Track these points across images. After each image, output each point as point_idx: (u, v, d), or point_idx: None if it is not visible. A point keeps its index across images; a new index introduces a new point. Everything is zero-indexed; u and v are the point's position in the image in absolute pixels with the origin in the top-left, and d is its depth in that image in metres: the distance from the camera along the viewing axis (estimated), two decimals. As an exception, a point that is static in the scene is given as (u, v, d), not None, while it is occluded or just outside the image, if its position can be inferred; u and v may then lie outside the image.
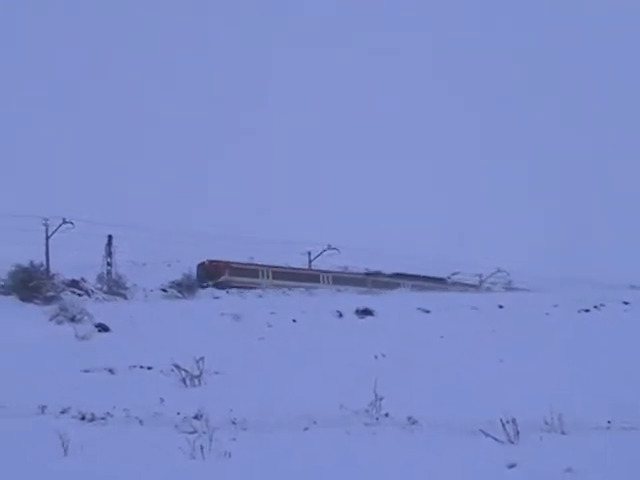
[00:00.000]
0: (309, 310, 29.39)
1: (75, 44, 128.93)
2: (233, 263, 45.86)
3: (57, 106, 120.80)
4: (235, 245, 46.82)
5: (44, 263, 38.05)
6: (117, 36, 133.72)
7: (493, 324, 25.50)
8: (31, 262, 32.94)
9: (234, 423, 10.93)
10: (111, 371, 16.05)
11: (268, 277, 46.79)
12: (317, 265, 56.41)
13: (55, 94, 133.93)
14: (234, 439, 9.24)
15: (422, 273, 58.91)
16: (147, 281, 43.06)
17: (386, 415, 10.85)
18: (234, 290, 43.79)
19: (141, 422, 11.20)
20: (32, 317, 21.95)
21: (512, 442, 8.67)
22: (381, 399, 10.73)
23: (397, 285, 53.59)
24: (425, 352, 18.49)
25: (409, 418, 10.61)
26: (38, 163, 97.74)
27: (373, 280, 52.97)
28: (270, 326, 24.44)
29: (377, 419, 10.82)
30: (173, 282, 41.97)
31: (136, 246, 48.65)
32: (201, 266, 44.75)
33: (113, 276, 42.88)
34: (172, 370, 14.82)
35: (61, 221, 45.88)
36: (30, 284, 28.78)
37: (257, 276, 46.13)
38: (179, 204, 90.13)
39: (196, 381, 14.52)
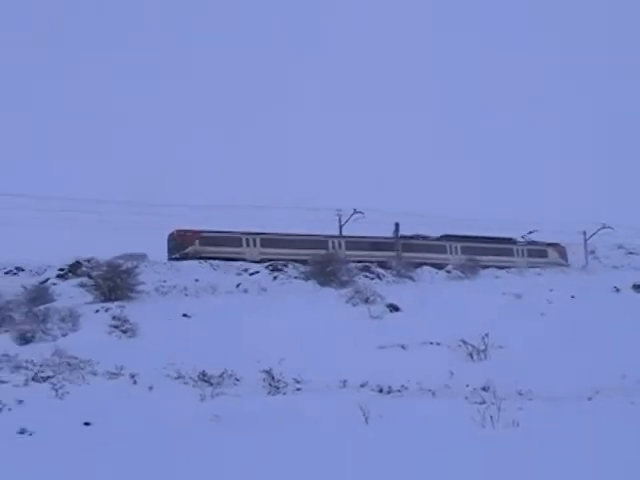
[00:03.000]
0: (585, 287, 27.71)
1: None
2: (205, 232, 41.71)
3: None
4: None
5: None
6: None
7: None
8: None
9: (520, 394, 11.37)
10: (403, 347, 17.18)
11: (255, 245, 43.18)
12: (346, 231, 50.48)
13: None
14: (521, 409, 9.56)
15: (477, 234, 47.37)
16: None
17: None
18: (513, 270, 41.80)
19: (433, 394, 11.93)
20: (331, 300, 24.40)
21: None
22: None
23: (443, 249, 45.81)
24: None
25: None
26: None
27: (404, 244, 44.93)
28: (550, 302, 24.02)
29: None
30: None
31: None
32: (170, 237, 42.07)
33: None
34: (459, 345, 15.46)
35: (352, 211, 49.53)
36: (327, 269, 31.30)
37: (240, 245, 42.62)
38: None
39: (482, 355, 15.08)
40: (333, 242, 44.00)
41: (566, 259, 49.29)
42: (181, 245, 40.90)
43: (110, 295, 24.91)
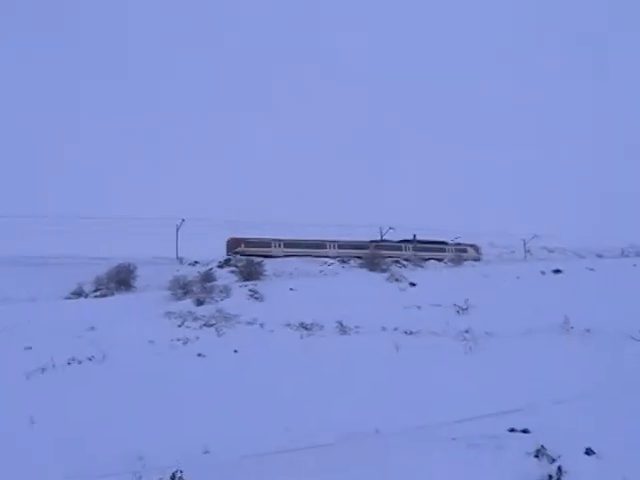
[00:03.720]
0: (525, 271, 36.75)
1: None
2: (247, 238, 57.12)
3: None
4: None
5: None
6: None
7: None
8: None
9: (487, 333, 19.01)
10: (418, 307, 24.89)
11: (280, 247, 58.05)
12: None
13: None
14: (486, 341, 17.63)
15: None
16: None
17: None
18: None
19: (437, 334, 19.76)
20: (376, 279, 34.60)
21: None
22: None
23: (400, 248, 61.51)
24: None
25: None
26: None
27: (376, 245, 58.72)
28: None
29: None
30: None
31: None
32: (227, 242, 56.99)
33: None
34: (453, 305, 23.69)
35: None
36: (374, 261, 44.49)
37: (270, 246, 57.58)
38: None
39: (465, 312, 22.98)
40: (330, 245, 59.89)
41: (480, 255, 66.16)
42: (232, 247, 56.11)
43: (248, 277, 35.64)
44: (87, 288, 39.99)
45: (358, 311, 22.67)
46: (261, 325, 22.32)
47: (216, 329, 21.75)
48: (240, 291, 29.54)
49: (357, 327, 21.07)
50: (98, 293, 38.79)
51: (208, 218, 56.49)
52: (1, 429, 8.32)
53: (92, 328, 23.22)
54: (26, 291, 36.38)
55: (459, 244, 68.38)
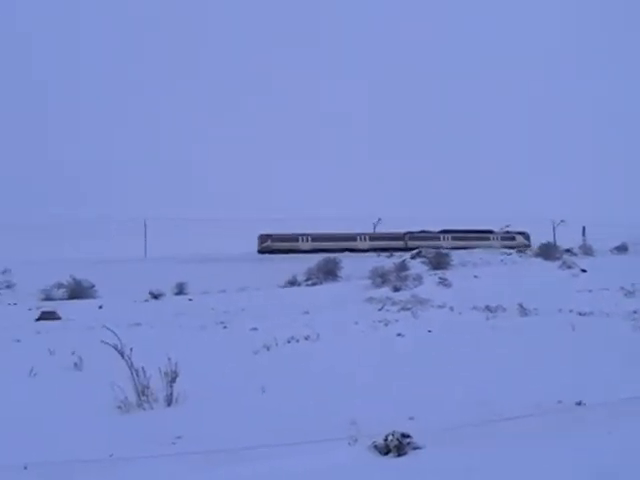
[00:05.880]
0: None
1: None
2: (275, 234, 61.11)
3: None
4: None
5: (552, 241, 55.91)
6: None
7: None
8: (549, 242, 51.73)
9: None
10: (590, 291, 26.90)
11: (307, 241, 60.29)
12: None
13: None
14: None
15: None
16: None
17: None
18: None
19: (608, 315, 21.69)
20: (551, 268, 35.17)
21: None
22: None
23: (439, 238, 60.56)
24: None
25: None
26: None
27: (411, 237, 58.62)
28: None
29: None
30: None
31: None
32: (258, 237, 61.44)
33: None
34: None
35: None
36: (549, 251, 46.71)
37: (297, 241, 60.52)
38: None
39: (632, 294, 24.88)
40: (361, 237, 62.43)
41: (530, 243, 64.20)
42: (261, 242, 62.15)
43: (437, 266, 40.70)
44: (300, 278, 46.80)
45: (535, 295, 25.16)
46: (451, 308, 25.77)
47: (412, 312, 25.56)
48: (430, 279, 33.53)
49: (535, 309, 23.54)
50: (309, 282, 45.31)
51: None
52: (238, 397, 9.42)
53: (306, 312, 27.46)
54: (254, 281, 43.78)
55: (508, 232, 65.30)
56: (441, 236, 63.75)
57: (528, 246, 63.24)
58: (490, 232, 66.67)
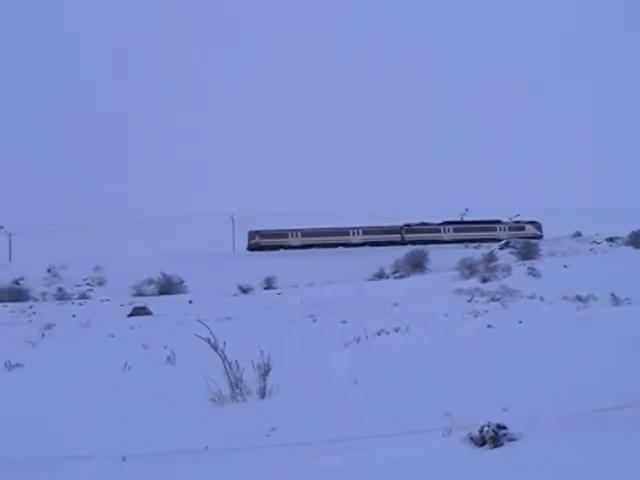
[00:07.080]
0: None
1: None
2: (263, 230, 58.87)
3: None
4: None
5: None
6: None
7: None
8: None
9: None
10: None
11: (297, 236, 58.07)
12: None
13: None
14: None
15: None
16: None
17: None
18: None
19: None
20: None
21: None
22: None
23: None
24: None
25: None
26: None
27: (407, 229, 55.63)
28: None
29: None
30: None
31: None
32: (248, 233, 60.04)
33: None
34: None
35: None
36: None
37: (287, 237, 58.24)
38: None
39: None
40: (354, 232, 59.41)
41: (541, 232, 60.70)
42: (249, 239, 59.91)
43: (526, 257, 40.16)
44: (387, 271, 47.73)
45: (626, 284, 24.85)
46: (541, 299, 25.85)
47: (501, 303, 25.78)
48: (519, 269, 33.52)
49: (627, 299, 23.38)
50: (397, 275, 46.17)
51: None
52: (330, 389, 9.51)
53: (395, 304, 27.94)
54: (342, 274, 45.08)
55: (518, 222, 60.50)
56: (442, 228, 60.53)
57: (540, 236, 57.97)
58: (497, 222, 62.07)
